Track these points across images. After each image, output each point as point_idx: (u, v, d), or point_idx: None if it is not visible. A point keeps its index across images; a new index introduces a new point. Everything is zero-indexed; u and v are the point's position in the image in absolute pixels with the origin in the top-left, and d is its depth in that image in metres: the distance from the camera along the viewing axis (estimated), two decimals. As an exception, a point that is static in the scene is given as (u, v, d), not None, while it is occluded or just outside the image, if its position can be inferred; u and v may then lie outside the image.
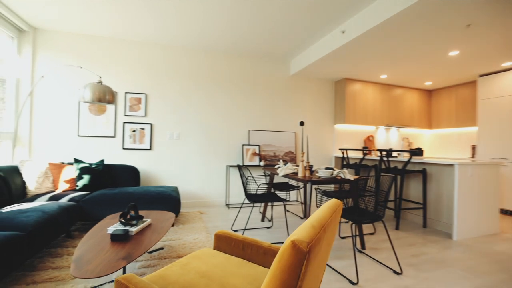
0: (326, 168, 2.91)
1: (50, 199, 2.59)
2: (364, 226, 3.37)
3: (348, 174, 2.60)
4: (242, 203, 3.13)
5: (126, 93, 3.73)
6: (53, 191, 2.83)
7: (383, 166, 3.93)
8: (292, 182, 4.72)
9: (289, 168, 2.94)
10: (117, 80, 3.71)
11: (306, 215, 2.50)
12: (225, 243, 1.54)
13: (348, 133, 5.12)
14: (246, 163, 4.29)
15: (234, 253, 1.52)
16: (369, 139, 5.33)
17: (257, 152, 4.39)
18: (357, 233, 2.88)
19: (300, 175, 2.74)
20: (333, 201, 1.16)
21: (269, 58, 4.52)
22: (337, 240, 2.88)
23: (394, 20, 2.67)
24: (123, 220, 2.09)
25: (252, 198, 2.92)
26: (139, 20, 3.21)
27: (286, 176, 2.86)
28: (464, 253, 2.59)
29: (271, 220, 3.54)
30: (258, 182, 4.39)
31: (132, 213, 2.28)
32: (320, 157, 4.91)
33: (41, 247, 1.98)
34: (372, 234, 3.10)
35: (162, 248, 2.46)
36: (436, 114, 5.58)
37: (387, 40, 3.17)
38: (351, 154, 4.99)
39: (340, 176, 2.62)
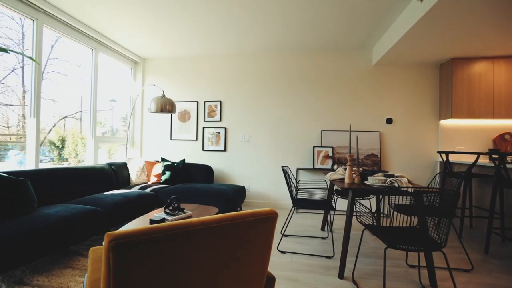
0: (386, 175, 2.34)
1: (141, 188, 3.37)
2: (454, 259, 2.46)
3: (405, 183, 1.99)
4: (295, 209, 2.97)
5: (205, 101, 4.33)
6: (146, 183, 3.66)
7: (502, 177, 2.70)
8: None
9: (339, 173, 2.55)
10: (198, 91, 4.38)
11: (346, 230, 2.10)
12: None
13: (463, 131, 3.81)
14: (317, 166, 4.01)
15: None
16: (505, 138, 3.77)
17: (330, 154, 4.01)
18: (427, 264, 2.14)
19: (345, 181, 2.33)
20: (254, 210, 0.99)
21: (344, 49, 4.05)
22: (402, 267, 2.24)
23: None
24: (167, 210, 2.48)
25: (297, 203, 2.72)
26: (216, 39, 3.68)
27: (333, 182, 2.50)
28: None
29: (331, 230, 3.16)
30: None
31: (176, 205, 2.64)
32: (417, 163, 3.90)
33: (119, 221, 2.62)
34: (466, 271, 2.21)
35: (206, 240, 2.71)
36: None
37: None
38: (464, 158, 3.70)
39: (395, 184, 2.04)
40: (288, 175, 2.63)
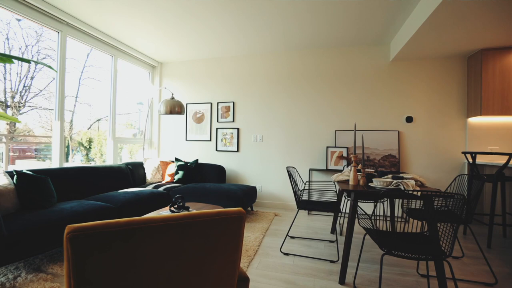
0: (394, 177, 2.19)
1: (155, 187, 3.52)
2: (477, 270, 2.22)
3: (412, 186, 1.85)
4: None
5: (218, 103, 4.41)
6: (160, 182, 3.81)
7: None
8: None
9: (344, 174, 2.45)
10: (211, 92, 4.47)
11: (348, 234, 2.01)
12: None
13: (496, 129, 3.44)
14: (331, 167, 3.88)
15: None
16: (547, 138, 3.34)
17: (345, 155, 3.86)
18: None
19: (350, 183, 2.23)
20: (220, 209, 0.99)
21: (359, 45, 3.88)
22: (413, 276, 2.08)
23: None
24: (172, 209, 2.56)
25: (302, 205, 2.65)
26: (227, 40, 3.74)
27: (338, 183, 2.40)
28: None
29: (341, 233, 3.04)
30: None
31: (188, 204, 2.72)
32: (442, 164, 3.60)
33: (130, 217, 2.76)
34: (489, 285, 1.99)
35: (211, 239, 2.75)
36: None
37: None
38: (500, 160, 3.33)
39: (400, 187, 1.91)
40: (292, 176, 2.58)
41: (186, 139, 4.55)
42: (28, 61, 2.09)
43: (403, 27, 3.29)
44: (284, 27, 3.35)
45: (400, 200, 3.62)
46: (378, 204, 3.68)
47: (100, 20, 3.21)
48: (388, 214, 3.52)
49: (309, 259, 2.37)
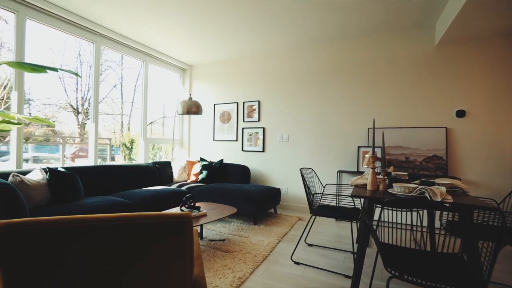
0: (423, 182, 1.82)
1: (179, 186, 3.62)
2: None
3: (440, 195, 1.49)
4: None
5: (244, 102, 4.35)
6: (185, 181, 3.91)
7: None
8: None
9: (364, 178, 2.14)
10: (238, 92, 4.43)
11: (360, 246, 1.73)
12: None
13: None
14: (362, 169, 3.49)
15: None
16: None
17: (379, 156, 3.42)
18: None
19: (368, 188, 1.93)
20: (161, 212, 0.90)
21: (397, 30, 3.41)
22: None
23: None
24: (183, 208, 2.57)
25: (316, 210, 2.41)
26: (249, 39, 3.68)
27: (356, 187, 2.10)
28: None
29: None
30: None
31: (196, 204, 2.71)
32: (506, 168, 2.92)
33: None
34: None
35: (223, 240, 2.69)
36: None
37: None
38: None
39: (425, 195, 1.56)
40: (305, 179, 2.35)
41: (213, 139, 4.61)
42: (55, 70, 2.28)
43: (450, 1, 2.75)
44: (308, 16, 3.11)
45: (439, 212, 3.05)
46: (414, 213, 3.16)
47: (130, 29, 3.43)
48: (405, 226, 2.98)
49: (321, 271, 2.13)
